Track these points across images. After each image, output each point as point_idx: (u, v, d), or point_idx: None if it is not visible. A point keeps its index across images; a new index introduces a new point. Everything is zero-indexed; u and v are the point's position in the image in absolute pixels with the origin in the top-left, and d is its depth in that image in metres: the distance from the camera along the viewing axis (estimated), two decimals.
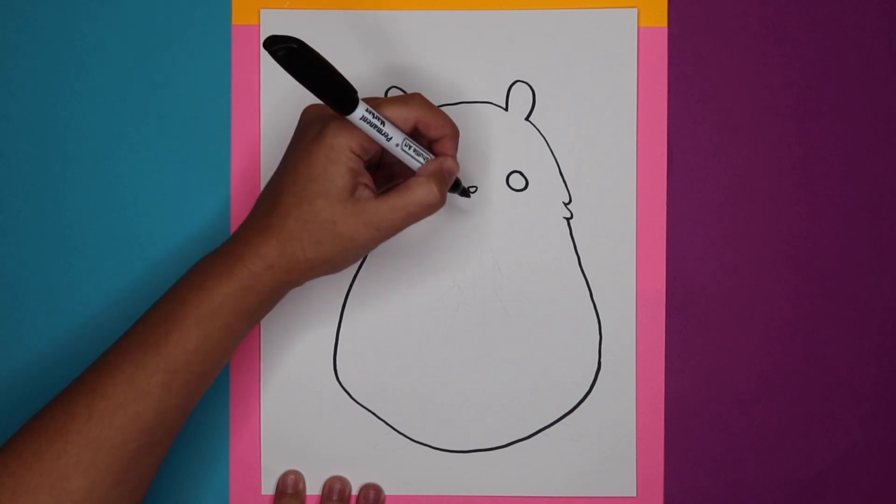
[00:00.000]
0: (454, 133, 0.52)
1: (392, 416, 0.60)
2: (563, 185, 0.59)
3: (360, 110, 0.48)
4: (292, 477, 0.59)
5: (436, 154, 0.52)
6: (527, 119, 0.59)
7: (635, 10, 0.59)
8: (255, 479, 0.59)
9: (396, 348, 0.59)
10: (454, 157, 0.52)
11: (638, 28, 0.59)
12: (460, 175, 0.55)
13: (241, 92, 0.59)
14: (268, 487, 0.59)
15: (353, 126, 0.49)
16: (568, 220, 0.59)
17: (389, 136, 0.49)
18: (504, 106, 0.59)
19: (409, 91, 0.59)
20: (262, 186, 0.59)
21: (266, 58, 0.59)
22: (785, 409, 0.59)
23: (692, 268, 0.59)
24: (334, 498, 0.59)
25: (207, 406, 0.59)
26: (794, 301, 0.59)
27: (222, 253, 0.50)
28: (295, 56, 0.45)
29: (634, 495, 0.59)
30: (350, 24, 0.59)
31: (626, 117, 0.59)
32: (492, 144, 0.59)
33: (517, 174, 0.59)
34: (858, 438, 0.59)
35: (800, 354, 0.59)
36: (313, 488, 0.59)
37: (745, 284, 0.59)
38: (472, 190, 0.59)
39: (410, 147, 0.50)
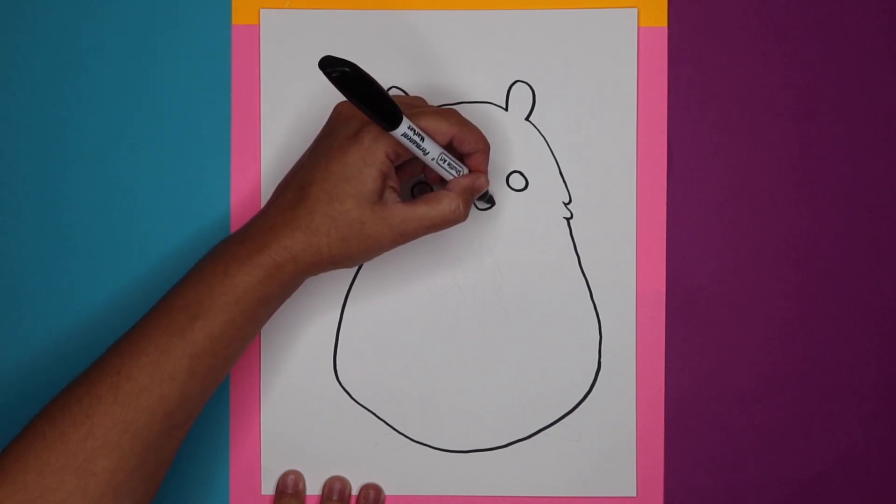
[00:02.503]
0: (486, 148, 0.54)
1: (392, 416, 0.60)
2: (563, 185, 0.59)
3: (403, 127, 0.49)
4: (292, 477, 0.59)
5: (466, 166, 0.54)
6: (527, 119, 0.59)
7: (635, 10, 0.59)
8: (255, 480, 0.59)
9: (396, 348, 0.59)
10: (486, 172, 0.54)
11: (638, 28, 0.59)
12: None
13: (241, 92, 0.59)
14: (268, 487, 0.59)
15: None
16: (568, 220, 0.59)
17: (427, 151, 0.51)
18: (504, 106, 0.59)
19: (409, 92, 0.59)
20: (263, 186, 0.59)
21: (266, 58, 0.59)
22: (785, 409, 0.59)
23: (692, 268, 0.59)
24: (334, 498, 0.59)
25: (208, 406, 0.59)
26: (794, 301, 0.59)
27: (246, 239, 0.51)
28: (347, 79, 0.47)
29: (634, 495, 0.59)
30: (350, 24, 0.59)
31: (626, 117, 0.59)
32: (492, 144, 0.59)
33: (517, 174, 0.59)
34: (858, 438, 0.59)
35: (800, 354, 0.59)
36: (313, 488, 0.59)
37: (745, 284, 0.59)
38: (487, 203, 0.59)
39: (445, 161, 0.52)
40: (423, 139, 0.50)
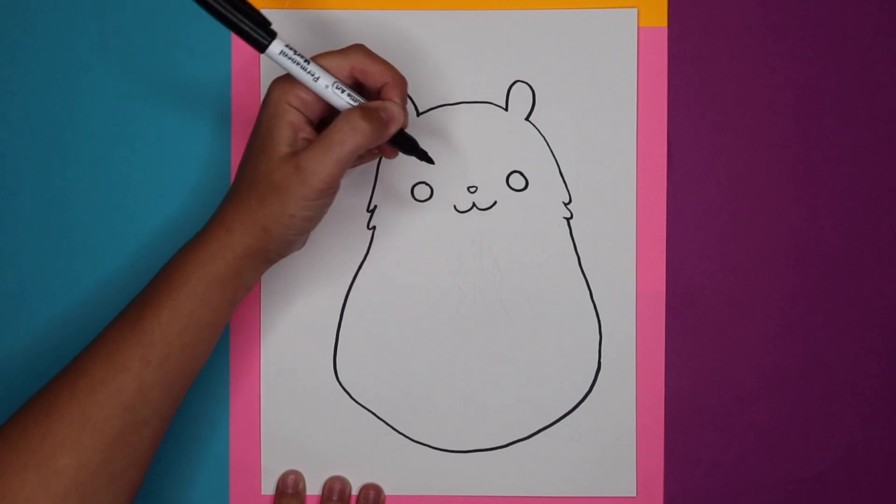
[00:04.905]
0: (397, 80, 0.50)
1: (392, 416, 0.60)
2: (563, 185, 0.59)
3: (279, 45, 0.48)
4: (292, 477, 0.59)
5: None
6: (527, 119, 0.59)
7: (635, 10, 0.59)
8: (255, 479, 0.59)
9: (396, 348, 0.59)
10: (398, 103, 0.50)
11: (638, 28, 0.59)
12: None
13: (241, 92, 0.59)
14: (268, 487, 0.59)
15: (293, 81, 0.49)
16: (568, 220, 0.59)
17: (316, 76, 0.49)
18: (504, 106, 0.59)
19: (410, 93, 0.59)
20: None
21: (266, 58, 0.59)
22: (785, 409, 0.59)
23: (692, 268, 0.59)
24: (334, 498, 0.59)
25: (208, 406, 0.59)
26: (794, 301, 0.59)
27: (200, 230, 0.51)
28: None
29: (634, 495, 0.59)
30: (350, 24, 0.59)
31: (626, 117, 0.59)
32: (492, 144, 0.59)
33: (517, 174, 0.59)
34: (858, 438, 0.59)
35: (800, 354, 0.59)
36: (313, 488, 0.59)
37: (745, 284, 0.59)
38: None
39: (343, 91, 0.49)
40: (308, 62, 0.48)
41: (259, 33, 0.48)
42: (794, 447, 0.59)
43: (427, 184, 0.59)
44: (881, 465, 0.59)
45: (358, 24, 0.59)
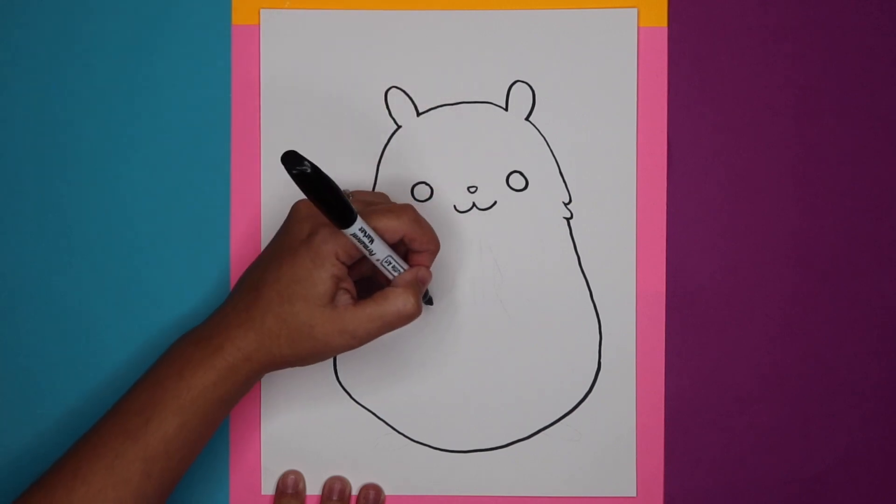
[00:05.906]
0: (436, 249, 0.54)
1: (392, 416, 0.60)
2: (563, 185, 0.59)
3: (355, 228, 0.49)
4: (292, 477, 0.59)
5: (411, 263, 0.53)
6: (527, 119, 0.59)
7: (635, 10, 0.59)
8: (255, 479, 0.59)
9: (396, 348, 0.59)
10: (429, 268, 0.54)
11: (638, 28, 0.59)
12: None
13: (241, 92, 0.59)
14: (268, 487, 0.59)
15: (341, 233, 0.50)
16: (568, 220, 0.59)
17: (373, 252, 0.51)
18: (504, 106, 0.59)
19: (408, 91, 0.59)
20: (262, 186, 0.59)
21: (266, 58, 0.59)
22: (785, 409, 0.59)
23: (692, 268, 0.59)
24: (334, 498, 0.59)
25: None
26: (794, 301, 0.59)
27: (201, 338, 0.52)
28: (306, 177, 0.47)
29: (634, 495, 0.59)
30: (350, 23, 0.59)
31: (626, 117, 0.59)
32: (492, 144, 0.59)
33: (517, 174, 0.59)
34: (858, 438, 0.59)
35: (800, 354, 0.59)
36: (313, 488, 0.59)
37: (745, 284, 0.59)
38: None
39: (390, 263, 0.52)
40: (371, 241, 0.50)
41: (347, 214, 0.49)
42: (794, 447, 0.59)
43: (427, 184, 0.59)
44: (881, 465, 0.59)
45: (358, 24, 0.59)
